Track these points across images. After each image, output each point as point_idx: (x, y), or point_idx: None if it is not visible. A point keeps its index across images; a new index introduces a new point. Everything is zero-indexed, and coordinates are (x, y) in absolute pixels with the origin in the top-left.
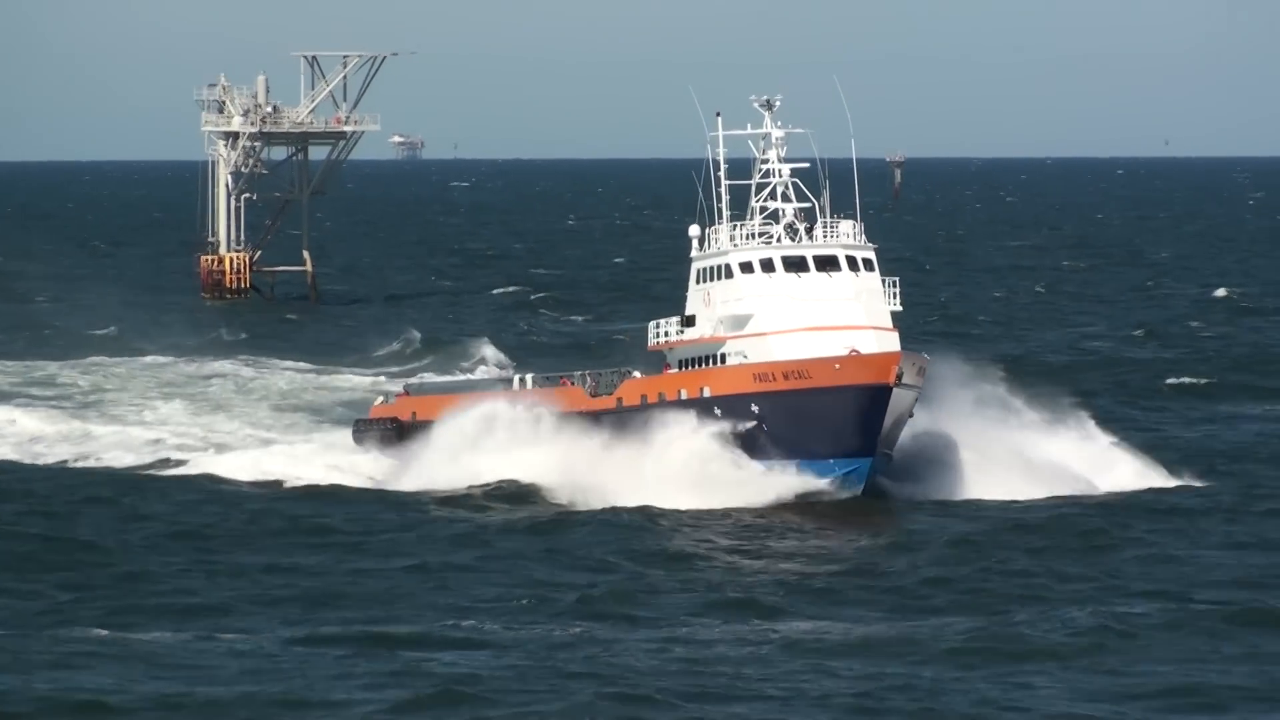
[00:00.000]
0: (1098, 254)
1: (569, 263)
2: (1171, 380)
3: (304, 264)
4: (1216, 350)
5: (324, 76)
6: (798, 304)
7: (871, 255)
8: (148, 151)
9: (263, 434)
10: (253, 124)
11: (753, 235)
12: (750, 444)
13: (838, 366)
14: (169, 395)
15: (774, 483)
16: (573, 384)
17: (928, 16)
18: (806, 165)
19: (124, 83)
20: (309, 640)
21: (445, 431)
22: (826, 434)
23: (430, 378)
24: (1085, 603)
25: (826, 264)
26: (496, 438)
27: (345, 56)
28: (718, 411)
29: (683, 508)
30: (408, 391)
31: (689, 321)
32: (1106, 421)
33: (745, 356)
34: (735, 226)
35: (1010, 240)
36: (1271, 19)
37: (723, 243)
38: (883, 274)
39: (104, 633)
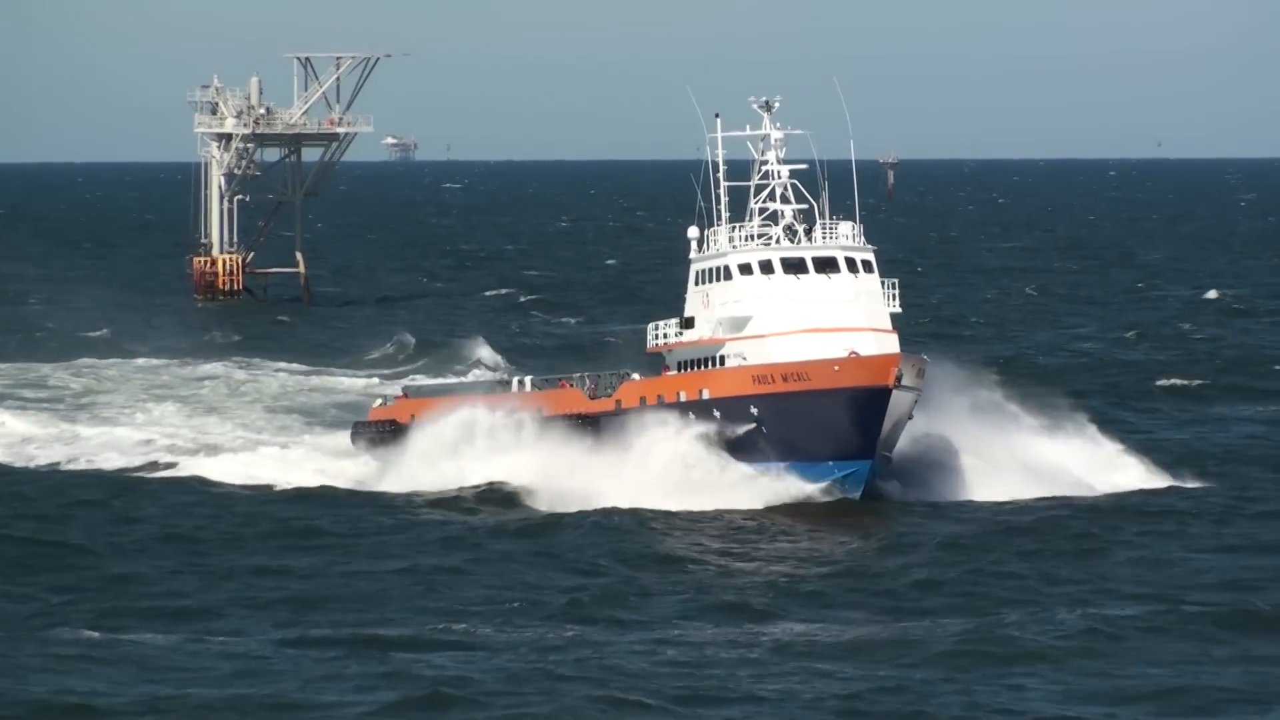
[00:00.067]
0: (1089, 256)
1: (561, 264)
2: (1163, 382)
3: (297, 266)
4: (1208, 352)
5: (317, 78)
6: (797, 306)
7: (870, 257)
8: (141, 153)
9: (255, 436)
10: (246, 125)
11: (752, 237)
12: (743, 446)
13: (837, 368)
14: (161, 397)
15: (760, 486)
16: (572, 386)
17: (925, 17)
18: (805, 166)
19: (117, 85)
20: (300, 642)
21: (423, 437)
22: (825, 436)
23: (425, 380)
24: (1076, 605)
25: (825, 266)
26: (476, 445)
27: (338, 58)
28: (716, 414)
29: (673, 509)
30: (406, 394)
31: (688, 323)
32: (1103, 424)
33: (744, 358)
34: (734, 228)
35: (1002, 242)
36: (1265, 22)
37: (722, 244)
38: (881, 275)
39: (95, 635)
